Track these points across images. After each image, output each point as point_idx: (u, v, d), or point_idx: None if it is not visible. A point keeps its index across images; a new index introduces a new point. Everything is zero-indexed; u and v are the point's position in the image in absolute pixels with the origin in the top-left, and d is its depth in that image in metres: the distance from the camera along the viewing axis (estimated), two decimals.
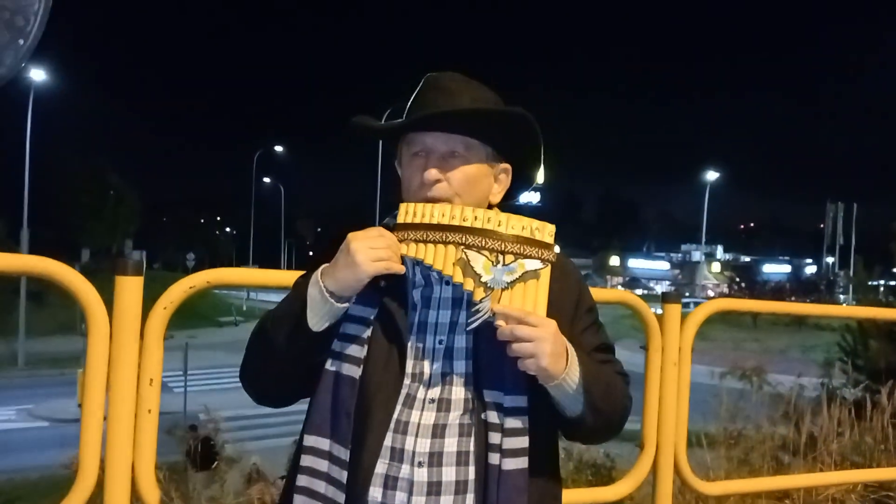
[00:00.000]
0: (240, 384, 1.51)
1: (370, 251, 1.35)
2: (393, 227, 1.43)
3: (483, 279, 1.35)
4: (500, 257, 1.37)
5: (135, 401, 2.15)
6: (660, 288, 68.88)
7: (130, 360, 2.14)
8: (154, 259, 60.00)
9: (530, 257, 1.37)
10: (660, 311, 3.08)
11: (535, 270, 1.37)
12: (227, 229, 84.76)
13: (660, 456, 3.04)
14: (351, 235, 1.37)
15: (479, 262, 1.36)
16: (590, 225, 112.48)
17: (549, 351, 1.31)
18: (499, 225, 1.38)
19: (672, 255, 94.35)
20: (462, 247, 1.37)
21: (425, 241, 1.39)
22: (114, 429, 2.13)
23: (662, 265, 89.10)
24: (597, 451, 5.10)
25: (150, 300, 2.21)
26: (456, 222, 1.38)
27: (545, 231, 1.40)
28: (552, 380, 1.34)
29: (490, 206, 1.52)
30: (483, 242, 1.37)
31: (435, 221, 1.39)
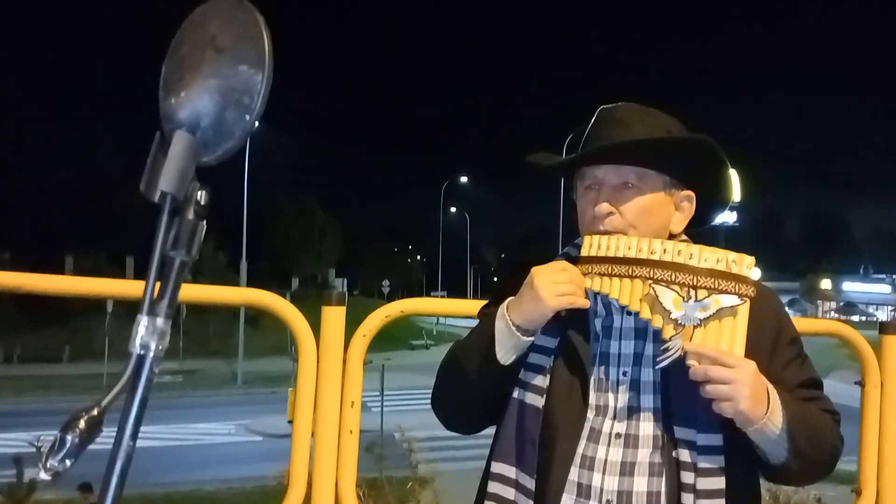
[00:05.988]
0: (430, 406, 1.57)
1: (553, 286, 1.35)
2: (576, 260, 1.42)
3: (673, 315, 1.28)
4: (692, 292, 1.29)
5: (338, 421, 2.32)
6: (881, 314, 62.05)
7: (334, 384, 2.32)
8: (353, 285, 64.03)
9: (726, 292, 1.28)
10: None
11: (732, 307, 1.28)
12: (418, 257, 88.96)
13: (881, 503, 2.75)
14: (535, 270, 1.38)
15: (668, 297, 1.29)
16: (794, 245, 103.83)
17: (747, 394, 1.23)
18: (690, 258, 1.30)
19: (895, 276, 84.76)
20: (650, 281, 1.32)
21: (610, 275, 1.35)
22: (320, 448, 2.31)
23: (884, 288, 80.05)
24: (806, 493, 4.69)
25: (351, 324, 2.39)
26: (643, 255, 1.33)
27: (743, 263, 1.30)
28: (751, 424, 1.26)
29: (672, 236, 1.46)
30: (673, 277, 1.30)
31: (621, 254, 1.35)
